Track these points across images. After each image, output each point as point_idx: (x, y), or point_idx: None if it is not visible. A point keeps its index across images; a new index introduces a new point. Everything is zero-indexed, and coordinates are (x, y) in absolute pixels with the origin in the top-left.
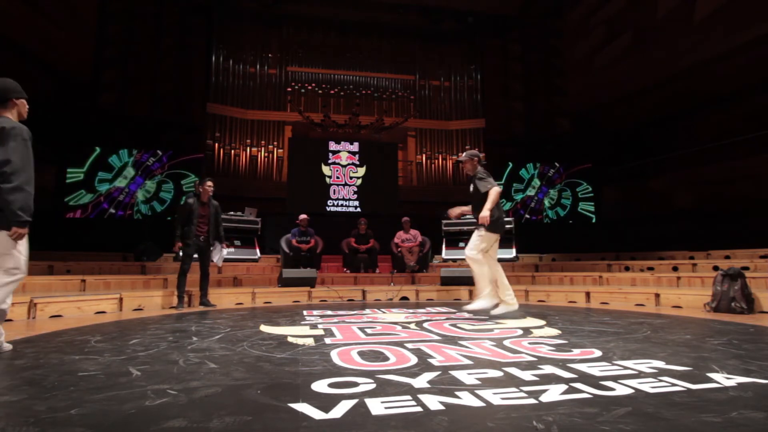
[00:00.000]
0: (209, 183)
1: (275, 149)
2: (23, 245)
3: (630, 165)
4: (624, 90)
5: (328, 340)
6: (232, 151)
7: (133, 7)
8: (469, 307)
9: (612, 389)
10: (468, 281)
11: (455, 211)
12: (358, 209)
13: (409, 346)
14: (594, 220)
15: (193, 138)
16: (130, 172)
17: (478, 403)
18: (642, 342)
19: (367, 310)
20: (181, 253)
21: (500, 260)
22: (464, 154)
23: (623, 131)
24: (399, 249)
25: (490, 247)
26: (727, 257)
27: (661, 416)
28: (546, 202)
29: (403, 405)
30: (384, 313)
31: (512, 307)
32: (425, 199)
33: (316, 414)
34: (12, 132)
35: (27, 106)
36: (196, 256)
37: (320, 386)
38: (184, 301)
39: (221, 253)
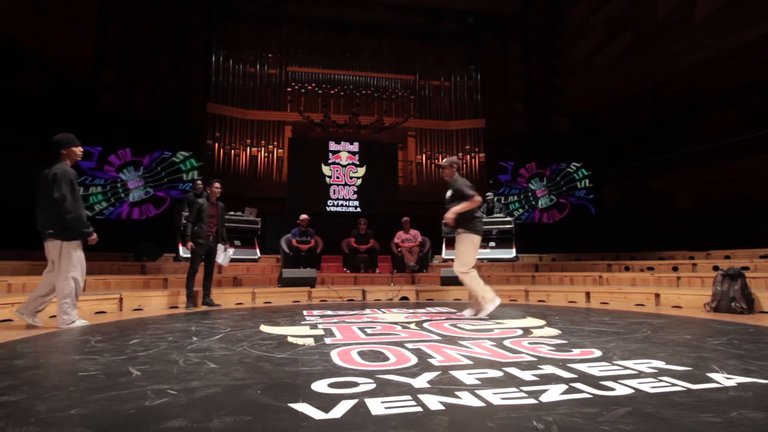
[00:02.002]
0: (217, 184)
1: (275, 149)
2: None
3: (630, 165)
4: (624, 90)
5: (328, 340)
6: (232, 151)
7: (133, 7)
8: (484, 313)
9: (612, 389)
10: None
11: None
12: (358, 209)
13: (409, 346)
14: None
15: (193, 138)
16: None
17: (478, 403)
18: (642, 342)
19: (367, 310)
20: (182, 253)
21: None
22: (445, 160)
23: (623, 131)
24: (399, 249)
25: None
26: (727, 257)
27: (661, 416)
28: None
29: (403, 405)
30: (384, 313)
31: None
32: (425, 199)
33: (316, 414)
34: (62, 176)
35: (80, 150)
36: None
37: (320, 386)
38: (193, 300)
39: (227, 253)
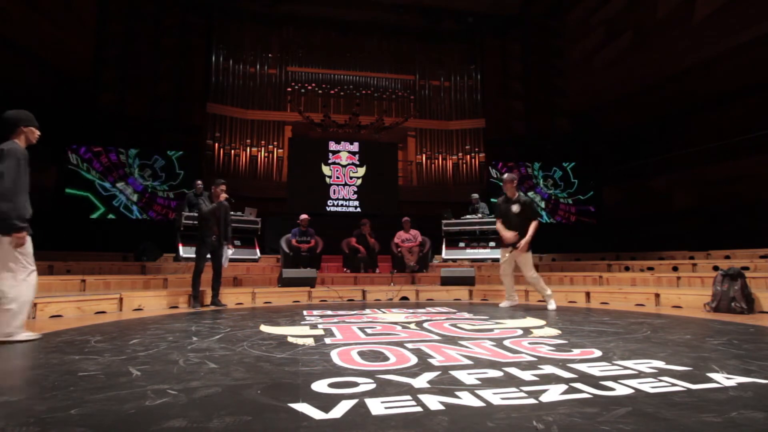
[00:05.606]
0: (222, 186)
1: (275, 149)
2: (27, 245)
3: (630, 165)
4: (624, 90)
5: (328, 340)
6: (232, 151)
7: (133, 7)
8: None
9: (612, 389)
10: (468, 281)
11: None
12: (358, 209)
13: (409, 346)
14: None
15: (193, 138)
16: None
17: (478, 403)
18: (642, 342)
19: (367, 310)
20: (182, 253)
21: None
22: (506, 175)
23: (623, 131)
24: (399, 249)
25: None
26: (727, 257)
27: (661, 416)
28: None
29: (403, 405)
30: (384, 313)
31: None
32: (425, 199)
33: (316, 414)
34: (8, 153)
35: (37, 134)
36: (208, 256)
37: (320, 386)
38: (199, 300)
39: (226, 253)
